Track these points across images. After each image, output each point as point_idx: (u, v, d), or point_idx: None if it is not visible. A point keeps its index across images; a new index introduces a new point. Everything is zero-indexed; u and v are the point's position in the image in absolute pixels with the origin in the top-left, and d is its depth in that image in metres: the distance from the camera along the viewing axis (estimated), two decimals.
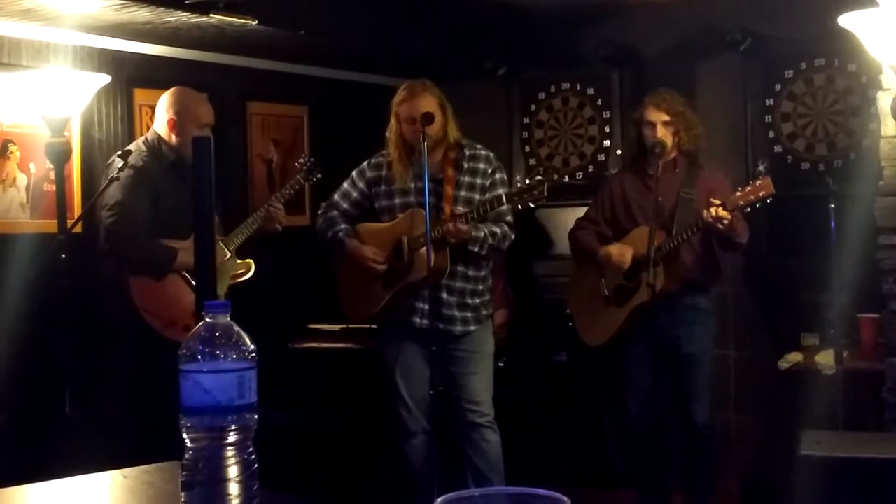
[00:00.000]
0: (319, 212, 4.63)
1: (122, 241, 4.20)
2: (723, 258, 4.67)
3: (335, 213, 4.54)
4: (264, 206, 4.59)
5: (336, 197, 4.57)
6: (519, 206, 4.25)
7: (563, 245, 5.29)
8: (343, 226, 4.50)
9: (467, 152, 4.41)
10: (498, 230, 4.33)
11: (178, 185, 4.26)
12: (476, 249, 4.28)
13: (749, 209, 4.28)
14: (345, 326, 5.41)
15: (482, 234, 4.27)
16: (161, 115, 4.39)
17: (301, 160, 4.77)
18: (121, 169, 4.14)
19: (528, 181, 4.22)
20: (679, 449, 4.66)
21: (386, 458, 4.99)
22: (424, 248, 4.14)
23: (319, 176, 4.74)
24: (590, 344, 4.75)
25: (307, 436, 5.19)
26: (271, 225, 4.58)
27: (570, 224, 4.88)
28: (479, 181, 4.38)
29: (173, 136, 4.35)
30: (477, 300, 4.42)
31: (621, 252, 4.50)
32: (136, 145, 4.41)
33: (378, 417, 4.91)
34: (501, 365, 4.84)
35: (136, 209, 4.20)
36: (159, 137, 4.38)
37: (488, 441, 4.40)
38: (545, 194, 4.13)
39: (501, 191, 4.32)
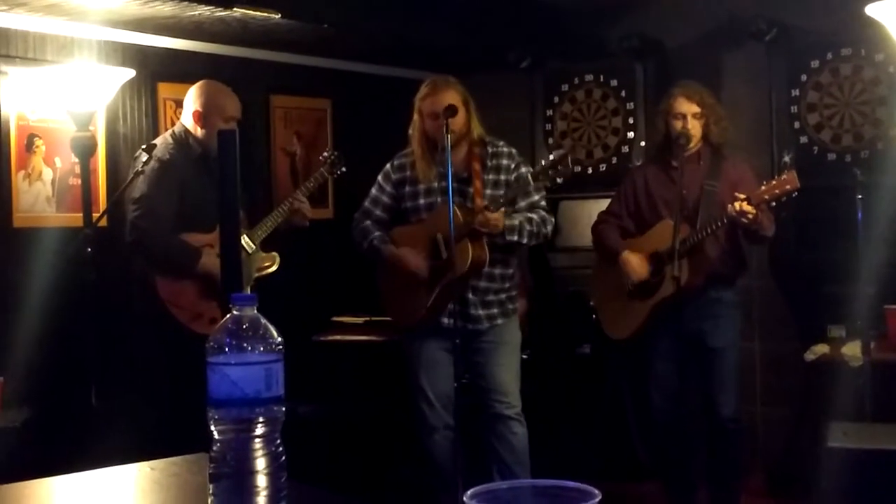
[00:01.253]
0: (353, 224, 4.55)
1: (146, 236, 4.20)
2: (748, 251, 4.64)
3: (368, 222, 4.49)
4: (288, 199, 4.57)
5: (367, 205, 4.53)
6: (548, 184, 4.22)
7: (585, 237, 5.26)
8: (377, 233, 4.45)
9: (490, 149, 4.38)
10: (534, 216, 4.31)
11: (204, 178, 4.26)
12: (515, 238, 4.26)
13: (774, 203, 4.24)
14: (368, 319, 5.42)
15: (517, 221, 4.25)
16: (188, 107, 4.40)
17: (325, 154, 4.76)
18: (146, 163, 4.14)
19: (551, 156, 4.19)
20: (704, 442, 4.64)
21: (411, 450, 4.99)
22: (461, 243, 4.13)
23: (343, 170, 4.73)
24: (614, 337, 4.73)
25: (332, 428, 5.20)
26: (298, 219, 4.57)
27: (593, 216, 4.85)
28: (502, 177, 4.36)
29: (199, 129, 4.35)
30: (503, 295, 4.40)
31: (640, 266, 4.48)
32: (163, 138, 4.41)
33: (403, 409, 4.92)
34: (525, 357, 4.83)
35: (162, 203, 4.20)
36: (186, 130, 4.38)
37: (515, 434, 4.38)
38: (570, 167, 4.11)
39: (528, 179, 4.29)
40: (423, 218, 4.39)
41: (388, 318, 4.96)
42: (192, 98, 4.39)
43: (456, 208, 4.17)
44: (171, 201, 4.22)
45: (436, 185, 4.35)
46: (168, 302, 4.18)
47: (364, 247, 4.48)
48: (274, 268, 4.51)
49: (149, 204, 4.17)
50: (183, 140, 4.36)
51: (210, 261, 4.18)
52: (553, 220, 4.42)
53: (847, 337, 4.78)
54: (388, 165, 4.51)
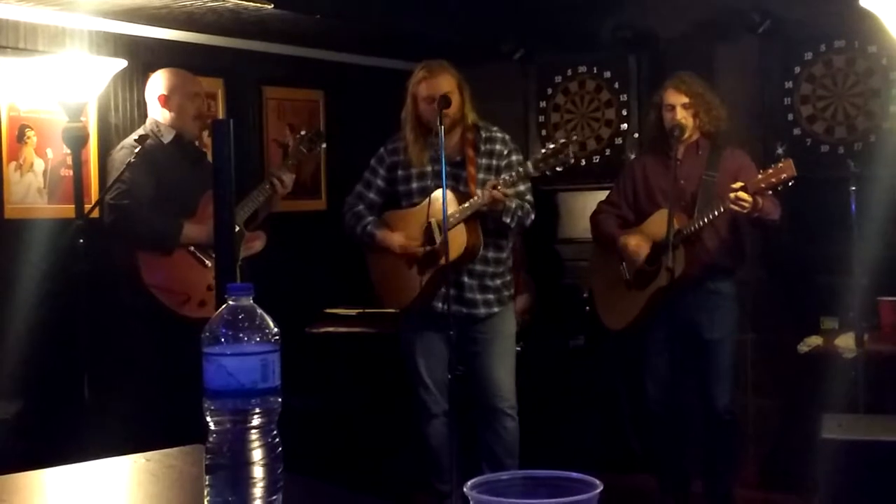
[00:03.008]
0: (345, 208, 4.57)
1: (126, 215, 4.21)
2: (748, 242, 4.64)
3: (361, 207, 4.50)
4: (267, 179, 4.53)
5: (359, 188, 4.53)
6: (547, 172, 4.23)
7: (580, 229, 5.26)
8: (370, 218, 4.47)
9: (483, 134, 4.39)
10: (524, 205, 4.32)
11: (179, 163, 4.32)
12: (507, 220, 4.27)
13: (770, 192, 4.24)
14: (361, 311, 5.40)
15: (514, 204, 4.26)
16: (152, 95, 4.47)
17: (301, 133, 4.72)
18: (137, 154, 4.14)
19: (551, 145, 4.20)
20: (699, 433, 4.65)
21: (403, 442, 4.99)
22: (455, 228, 4.13)
23: (323, 146, 4.72)
24: (610, 328, 4.74)
25: (325, 420, 5.19)
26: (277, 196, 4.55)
27: (588, 208, 4.86)
28: (494, 163, 4.37)
29: (167, 113, 4.41)
30: (498, 281, 4.41)
31: (638, 245, 4.48)
32: (138, 133, 4.45)
33: (395, 401, 4.91)
34: (519, 349, 4.83)
35: (139, 184, 4.23)
36: (156, 122, 4.45)
37: (506, 428, 4.40)
38: (570, 156, 4.13)
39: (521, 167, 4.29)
40: (416, 202, 4.39)
41: (381, 308, 4.98)
42: (153, 85, 4.49)
43: (451, 193, 4.18)
44: (148, 184, 4.26)
45: (429, 169, 4.36)
46: (154, 287, 4.18)
47: (357, 232, 4.48)
48: (262, 246, 4.49)
49: (126, 185, 4.20)
50: (155, 130, 4.42)
51: (193, 231, 4.23)
52: (534, 215, 4.41)
53: (840, 328, 4.79)
54: (381, 149, 4.53)
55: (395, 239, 4.39)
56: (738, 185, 4.18)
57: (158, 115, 4.45)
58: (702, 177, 4.44)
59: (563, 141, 4.19)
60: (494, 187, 4.13)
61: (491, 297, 4.39)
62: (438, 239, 4.26)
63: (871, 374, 4.32)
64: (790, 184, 4.19)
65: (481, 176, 4.31)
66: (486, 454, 4.42)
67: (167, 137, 4.41)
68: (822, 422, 3.76)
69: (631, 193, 4.67)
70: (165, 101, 4.42)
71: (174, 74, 4.49)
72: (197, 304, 4.17)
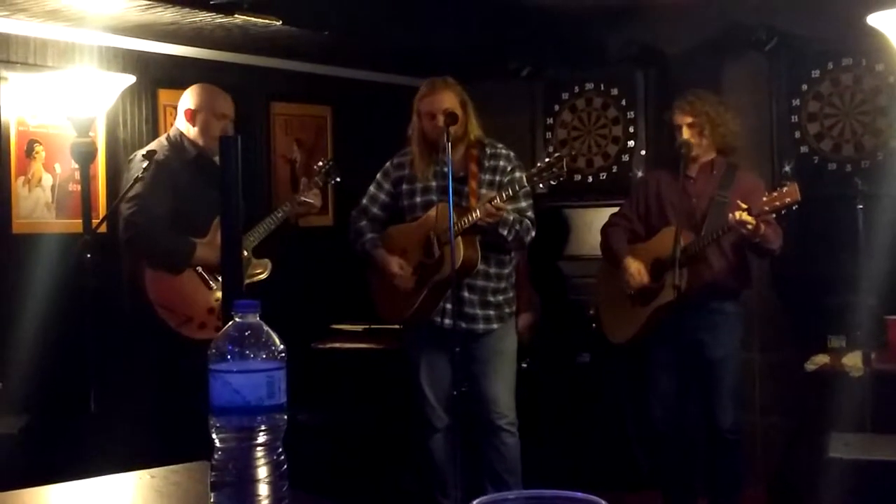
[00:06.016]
0: (350, 220, 4.61)
1: (141, 232, 4.20)
2: (754, 265, 4.63)
3: (364, 222, 4.53)
4: (281, 207, 4.54)
5: (364, 202, 4.57)
6: (540, 186, 4.25)
7: (587, 245, 5.26)
8: (370, 235, 4.50)
9: (488, 151, 4.42)
10: (524, 220, 4.33)
11: (198, 181, 4.28)
12: (505, 233, 4.27)
13: (774, 215, 4.24)
14: (367, 327, 5.40)
15: (512, 217, 4.27)
16: (181, 108, 4.45)
17: (320, 163, 4.75)
18: (146, 169, 4.14)
19: (546, 159, 4.23)
20: (704, 452, 4.63)
21: (409, 458, 4.98)
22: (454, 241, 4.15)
23: (338, 179, 4.72)
24: (613, 341, 4.74)
25: (330, 435, 5.19)
26: (304, 211, 4.56)
27: (595, 225, 4.87)
28: (497, 179, 4.39)
29: (191, 128, 4.38)
30: (500, 297, 4.42)
31: (639, 273, 4.48)
32: (159, 142, 4.45)
33: (401, 417, 4.90)
34: (525, 366, 4.82)
35: (156, 202, 4.22)
36: (181, 133, 4.42)
37: (505, 444, 4.41)
38: (565, 170, 4.14)
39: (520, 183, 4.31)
40: (420, 216, 4.42)
41: (384, 325, 4.97)
42: (185, 98, 4.45)
43: (449, 210, 4.18)
44: (165, 201, 4.25)
45: (433, 184, 4.39)
46: (157, 305, 4.18)
47: (357, 248, 4.54)
48: (265, 275, 4.49)
49: (143, 202, 4.19)
50: (178, 143, 4.39)
51: (205, 252, 4.23)
52: (534, 232, 4.41)
53: (847, 347, 4.77)
54: (387, 164, 4.57)
55: (392, 265, 4.40)
56: (744, 206, 4.17)
57: (184, 127, 4.43)
58: (714, 196, 4.45)
59: (557, 155, 4.23)
60: (491, 201, 4.14)
61: (491, 312, 4.39)
62: (437, 253, 4.29)
63: (878, 393, 4.30)
64: (794, 208, 4.18)
65: (483, 191, 4.33)
66: (488, 471, 4.44)
67: (191, 152, 4.38)
68: (829, 441, 3.74)
69: (643, 208, 4.67)
70: (191, 117, 4.40)
71: (205, 91, 4.46)
72: (197, 326, 4.17)
